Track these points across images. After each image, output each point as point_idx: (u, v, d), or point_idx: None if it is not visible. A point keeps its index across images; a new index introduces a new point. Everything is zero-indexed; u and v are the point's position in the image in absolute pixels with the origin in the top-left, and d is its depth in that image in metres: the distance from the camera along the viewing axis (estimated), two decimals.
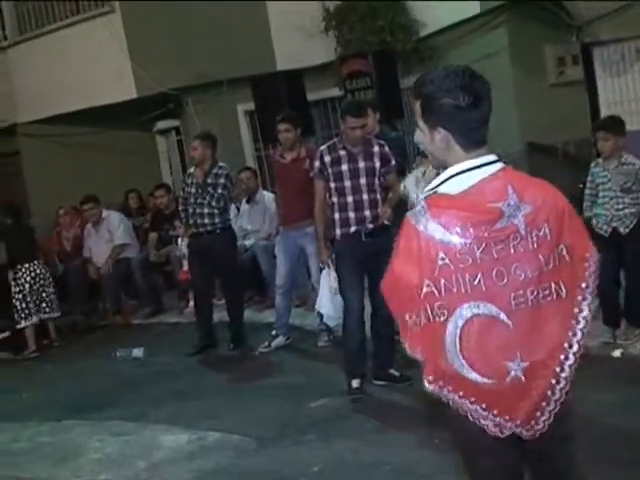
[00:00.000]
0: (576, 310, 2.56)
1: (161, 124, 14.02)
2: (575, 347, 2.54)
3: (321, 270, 6.82)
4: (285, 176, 8.06)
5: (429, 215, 2.51)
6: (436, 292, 2.50)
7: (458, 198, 2.53)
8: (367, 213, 6.23)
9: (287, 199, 8.11)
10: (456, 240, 2.49)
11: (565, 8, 9.41)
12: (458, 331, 2.50)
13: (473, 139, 2.58)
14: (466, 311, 2.49)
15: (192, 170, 8.35)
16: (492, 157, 2.59)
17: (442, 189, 2.56)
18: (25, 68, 13.75)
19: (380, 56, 10.42)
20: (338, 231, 6.30)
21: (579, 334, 2.54)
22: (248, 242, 10.11)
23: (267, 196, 10.15)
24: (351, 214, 6.24)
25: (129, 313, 10.97)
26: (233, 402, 6.72)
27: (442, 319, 2.50)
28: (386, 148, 6.38)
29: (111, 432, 6.42)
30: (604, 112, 10.38)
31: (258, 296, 10.22)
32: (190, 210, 8.23)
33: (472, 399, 2.53)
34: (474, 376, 2.50)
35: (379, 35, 11.28)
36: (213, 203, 8.09)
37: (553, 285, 2.52)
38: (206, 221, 8.14)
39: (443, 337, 2.51)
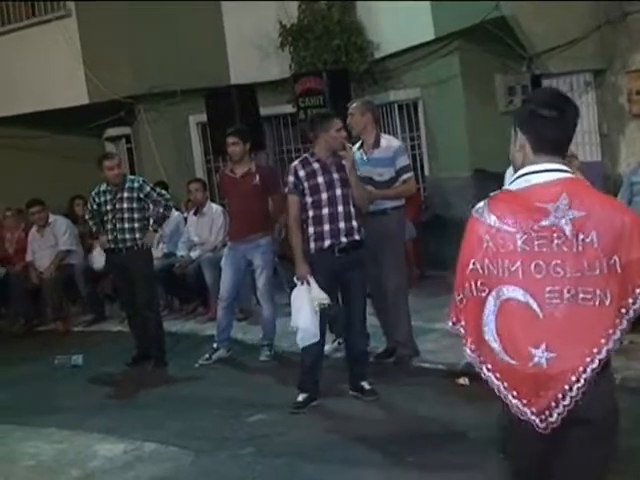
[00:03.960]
0: (617, 321, 2.67)
1: (111, 131, 13.91)
2: (603, 354, 2.66)
3: (290, 285, 6.67)
4: (235, 191, 8.07)
5: (487, 206, 2.80)
6: (480, 270, 2.76)
7: (513, 193, 2.79)
8: (342, 225, 6.28)
9: (237, 213, 8.12)
10: (501, 227, 2.73)
11: (517, 39, 9.58)
12: (495, 309, 2.73)
13: (545, 147, 2.80)
14: (502, 293, 2.72)
15: (103, 188, 8.17)
16: (559, 166, 2.79)
17: (509, 187, 2.84)
18: None
19: (334, 75, 10.49)
20: (312, 245, 6.31)
21: (611, 344, 2.66)
22: (194, 254, 10.09)
23: (215, 208, 10.15)
24: (326, 227, 6.27)
25: (70, 320, 10.86)
26: (172, 413, 6.69)
27: (483, 295, 2.76)
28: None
29: (46, 439, 6.35)
30: None
31: (201, 308, 10.21)
32: (109, 226, 8.10)
33: (497, 375, 2.75)
34: (502, 353, 2.71)
35: (334, 54, 11.39)
36: (135, 216, 8.04)
37: (598, 291, 2.65)
38: (127, 236, 8.04)
39: (482, 312, 2.76)
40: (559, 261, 2.66)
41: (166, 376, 8.00)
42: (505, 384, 2.73)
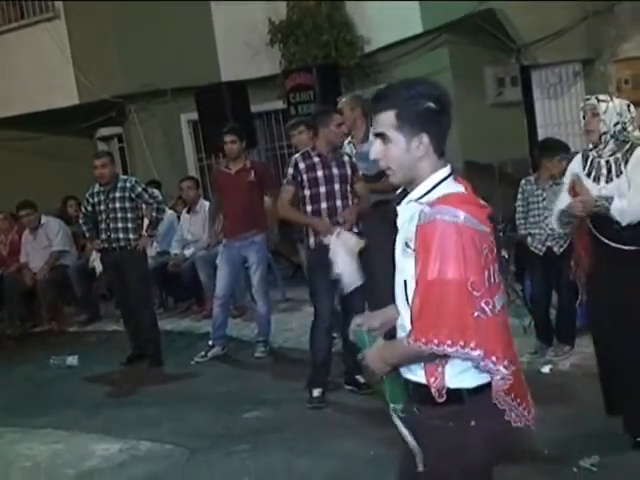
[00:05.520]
0: None
1: (103, 131, 13.94)
2: None
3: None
4: (230, 187, 8.06)
5: (456, 210, 2.42)
6: (487, 284, 2.45)
7: (463, 195, 2.52)
8: (340, 220, 6.30)
9: (232, 210, 8.09)
10: (487, 230, 2.50)
11: (505, 31, 9.61)
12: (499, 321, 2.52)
13: (443, 145, 2.58)
14: (498, 302, 2.50)
15: (97, 188, 8.15)
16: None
17: (436, 193, 2.51)
18: None
19: (324, 70, 10.51)
20: (312, 240, 6.33)
21: None
22: (187, 252, 10.09)
23: (207, 206, 10.14)
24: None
25: (65, 320, 10.86)
26: (167, 411, 6.71)
27: (497, 311, 2.49)
28: (353, 159, 6.57)
29: (42, 440, 6.35)
30: (541, 133, 10.61)
31: (196, 306, 10.22)
32: (103, 226, 8.12)
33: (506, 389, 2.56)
34: (506, 363, 2.49)
35: (324, 50, 11.39)
36: (128, 216, 8.03)
37: None
38: (120, 236, 8.05)
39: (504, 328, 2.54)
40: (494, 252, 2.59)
41: (162, 374, 8.01)
42: (518, 400, 2.57)
